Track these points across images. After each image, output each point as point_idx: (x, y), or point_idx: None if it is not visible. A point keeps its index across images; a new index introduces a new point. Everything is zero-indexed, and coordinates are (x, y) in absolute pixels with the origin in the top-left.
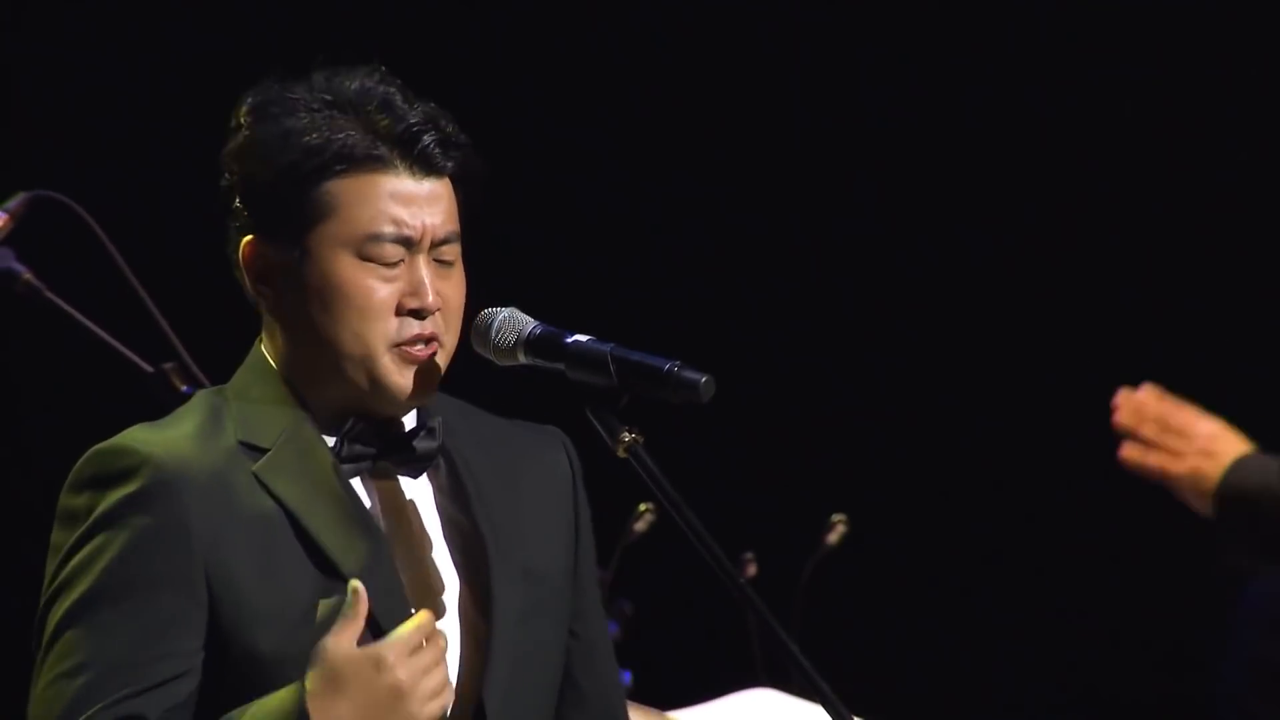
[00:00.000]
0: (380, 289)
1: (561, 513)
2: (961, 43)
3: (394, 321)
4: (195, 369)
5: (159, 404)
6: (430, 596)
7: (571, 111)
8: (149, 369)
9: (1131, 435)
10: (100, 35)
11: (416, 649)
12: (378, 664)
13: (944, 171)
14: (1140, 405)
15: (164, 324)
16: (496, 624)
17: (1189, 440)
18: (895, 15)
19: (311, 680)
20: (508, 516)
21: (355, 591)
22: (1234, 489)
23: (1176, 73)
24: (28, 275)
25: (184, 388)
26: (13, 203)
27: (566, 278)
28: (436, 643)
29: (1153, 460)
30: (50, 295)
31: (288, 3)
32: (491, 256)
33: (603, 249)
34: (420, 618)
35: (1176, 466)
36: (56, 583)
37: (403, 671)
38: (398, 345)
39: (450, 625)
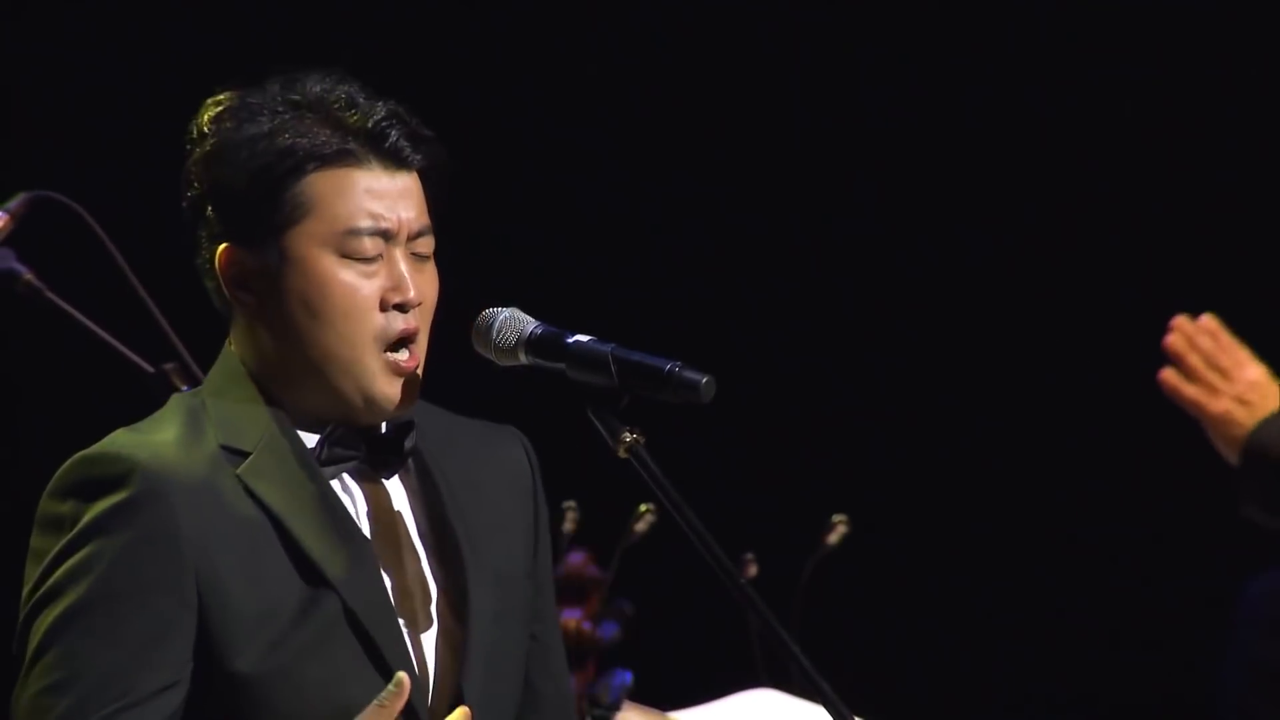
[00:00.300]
0: (363, 286)
1: (522, 512)
2: (961, 43)
3: (379, 318)
4: (196, 369)
5: (160, 404)
6: (410, 600)
7: (571, 111)
8: (150, 369)
9: (1178, 362)
10: (100, 35)
11: None
12: None
13: (944, 171)
14: (1193, 334)
15: (164, 324)
16: (472, 626)
17: (1230, 382)
18: (895, 15)
19: None
20: (475, 517)
21: (399, 684)
22: (1260, 445)
23: (1176, 73)
24: (28, 275)
25: (184, 388)
26: (13, 203)
27: (566, 278)
28: None
29: (1189, 392)
30: (51, 295)
31: (288, 3)
32: (492, 256)
33: (603, 249)
34: (458, 715)
35: (1211, 405)
36: (42, 591)
37: None
38: (385, 351)
39: (426, 628)
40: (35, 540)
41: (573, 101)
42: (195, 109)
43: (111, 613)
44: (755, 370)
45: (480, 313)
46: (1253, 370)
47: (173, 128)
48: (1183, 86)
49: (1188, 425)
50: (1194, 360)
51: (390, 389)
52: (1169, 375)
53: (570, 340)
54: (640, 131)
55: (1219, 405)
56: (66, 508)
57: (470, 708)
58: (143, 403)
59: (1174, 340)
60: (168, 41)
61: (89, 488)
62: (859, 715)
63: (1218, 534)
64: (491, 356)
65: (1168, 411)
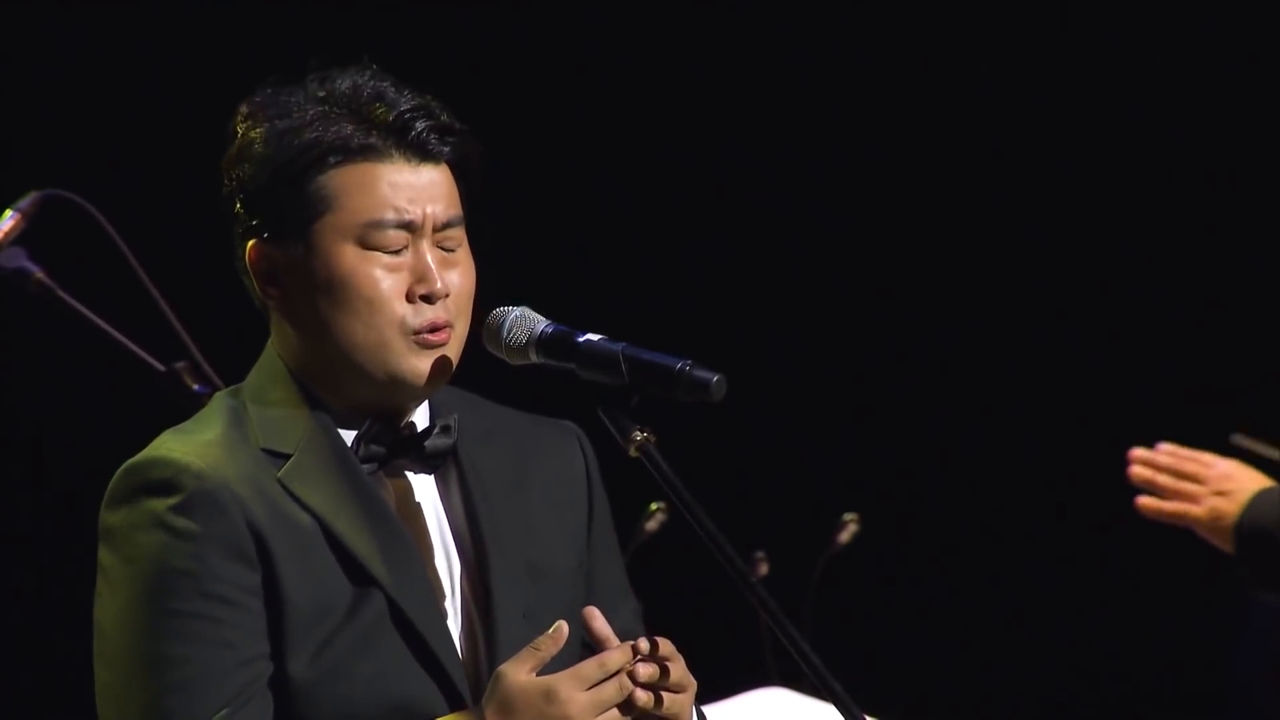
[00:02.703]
0: (386, 278)
1: (574, 508)
2: (964, 42)
3: (405, 308)
4: (207, 368)
5: (171, 403)
6: (445, 597)
7: (580, 109)
8: (161, 368)
9: (1148, 488)
10: (110, 33)
11: (593, 684)
12: (548, 696)
13: (956, 171)
14: (1151, 459)
15: (176, 323)
16: (499, 622)
17: (1204, 483)
18: (896, 15)
19: (487, 705)
20: (513, 512)
21: (558, 629)
22: (1252, 524)
23: (1181, 73)
24: (40, 274)
25: (196, 387)
26: (24, 202)
27: (576, 276)
28: (618, 681)
29: (1170, 509)
30: (62, 294)
31: (293, 5)
32: (502, 255)
33: (612, 247)
34: (613, 655)
35: (1195, 510)
36: (119, 603)
37: (574, 707)
38: (413, 333)
39: (455, 623)
40: (100, 555)
41: (580, 99)
42: (204, 108)
43: (197, 612)
44: (766, 369)
45: (491, 312)
46: (1222, 464)
47: (182, 127)
48: (1186, 87)
49: (1199, 426)
50: (1163, 480)
51: (417, 364)
52: (1145, 502)
53: (581, 339)
54: (649, 129)
55: (1201, 507)
56: (121, 516)
57: None
58: (155, 402)
59: (1136, 471)
60: (178, 40)
61: (142, 493)
62: (869, 714)
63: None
64: (502, 355)
65: (1179, 412)
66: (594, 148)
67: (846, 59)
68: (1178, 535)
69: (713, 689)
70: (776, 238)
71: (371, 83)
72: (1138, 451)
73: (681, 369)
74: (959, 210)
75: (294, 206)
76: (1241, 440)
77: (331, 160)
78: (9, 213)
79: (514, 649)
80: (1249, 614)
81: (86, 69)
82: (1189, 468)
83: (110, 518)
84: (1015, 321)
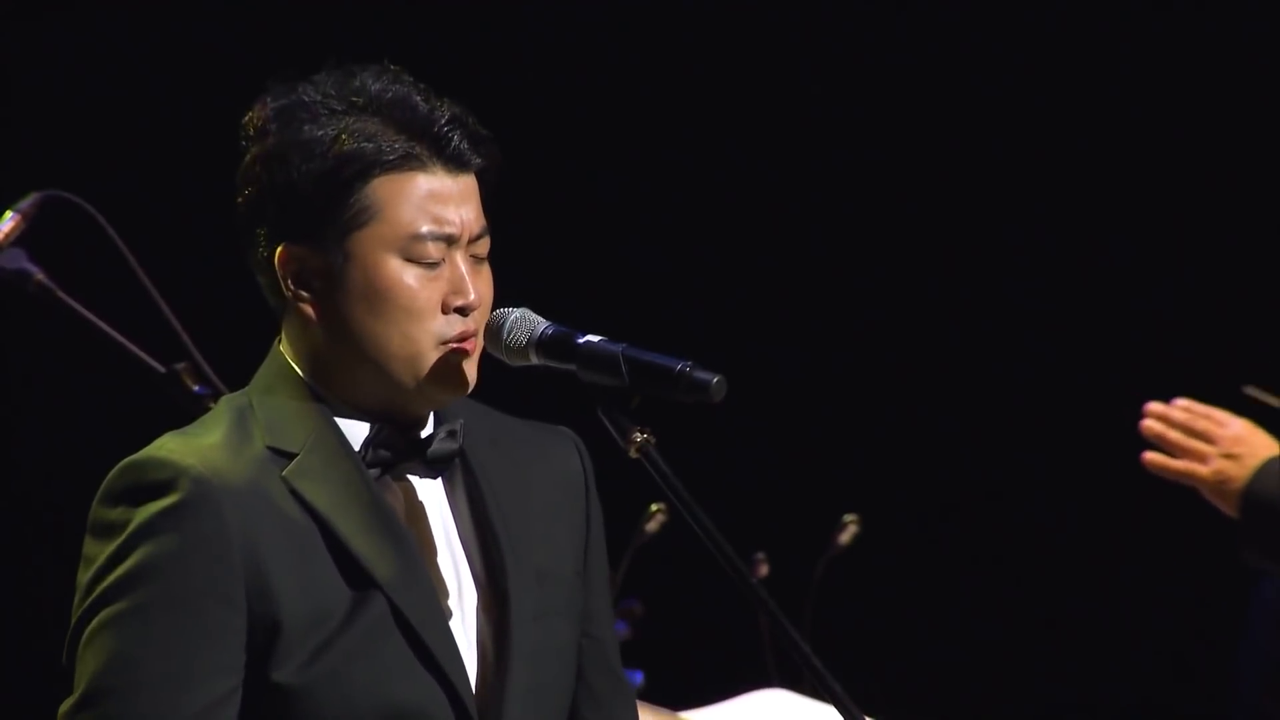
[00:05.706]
0: (425, 289)
1: (573, 514)
2: (964, 42)
3: (440, 320)
4: (207, 369)
5: (171, 404)
6: (452, 600)
7: (581, 109)
8: (161, 369)
9: (1158, 443)
10: (110, 34)
11: None
12: None
13: (959, 174)
14: (1166, 414)
15: (176, 324)
16: (514, 625)
17: (1215, 443)
18: (896, 15)
19: None
20: (519, 517)
21: None
22: (1258, 492)
23: (1181, 73)
24: (40, 276)
25: (196, 388)
26: (25, 203)
27: (571, 280)
28: None
29: (1177, 466)
30: (62, 296)
31: (293, 6)
32: (503, 257)
33: (614, 249)
34: None
35: (1201, 470)
36: (93, 598)
37: None
38: (446, 343)
39: (468, 627)
40: (86, 546)
41: (580, 99)
42: (204, 109)
43: (167, 620)
44: (767, 370)
45: (492, 313)
46: (1235, 425)
47: (182, 128)
48: (1190, 89)
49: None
50: (1174, 436)
51: (449, 374)
52: (1151, 457)
53: (581, 341)
54: (650, 129)
55: (1208, 468)
56: (116, 513)
57: (514, 707)
58: (155, 403)
59: (1148, 425)
60: (178, 41)
61: (137, 493)
62: (870, 715)
63: (1230, 533)
64: (502, 357)
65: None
66: (594, 148)
67: (847, 59)
68: (1178, 536)
69: (713, 689)
70: (777, 238)
71: (397, 87)
72: (1153, 405)
73: (681, 370)
74: (959, 211)
75: (334, 214)
76: (1254, 392)
77: (375, 171)
78: (9, 214)
79: (527, 651)
80: (1250, 623)
81: (87, 69)
82: (1201, 425)
83: (101, 512)
84: (1017, 322)
